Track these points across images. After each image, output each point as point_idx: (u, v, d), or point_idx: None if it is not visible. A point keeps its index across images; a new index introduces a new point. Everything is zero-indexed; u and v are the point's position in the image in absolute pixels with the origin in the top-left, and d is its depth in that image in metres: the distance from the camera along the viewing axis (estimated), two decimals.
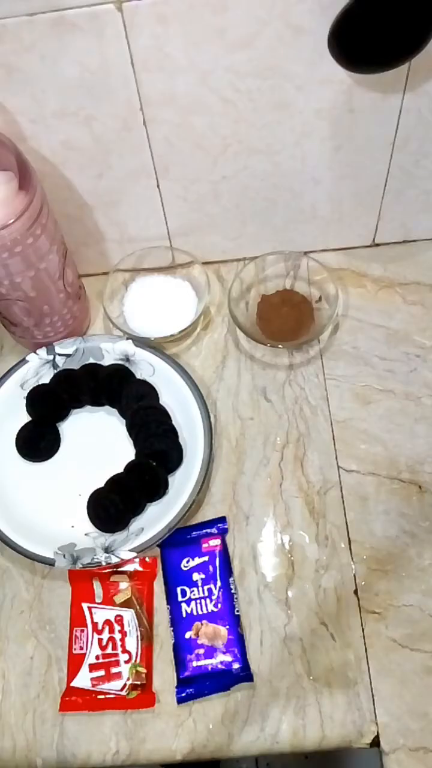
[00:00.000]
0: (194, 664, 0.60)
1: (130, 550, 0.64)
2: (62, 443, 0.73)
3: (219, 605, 0.62)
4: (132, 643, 0.62)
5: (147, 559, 0.66)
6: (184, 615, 0.62)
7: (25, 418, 0.73)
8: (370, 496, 0.68)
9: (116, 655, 0.61)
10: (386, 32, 0.52)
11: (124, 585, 0.64)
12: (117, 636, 0.62)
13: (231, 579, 0.63)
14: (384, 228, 0.80)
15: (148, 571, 0.65)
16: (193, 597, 0.62)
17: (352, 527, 0.66)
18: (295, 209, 0.76)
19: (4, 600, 0.67)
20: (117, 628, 0.62)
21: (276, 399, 0.74)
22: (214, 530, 0.66)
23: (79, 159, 0.68)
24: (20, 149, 0.60)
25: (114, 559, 0.64)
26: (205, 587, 0.63)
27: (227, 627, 0.61)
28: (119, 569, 0.65)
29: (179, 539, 0.65)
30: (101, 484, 0.68)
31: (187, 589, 0.63)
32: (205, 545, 0.65)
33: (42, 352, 0.74)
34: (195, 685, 0.60)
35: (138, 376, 0.74)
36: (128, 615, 0.63)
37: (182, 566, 0.64)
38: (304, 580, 0.64)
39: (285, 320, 0.76)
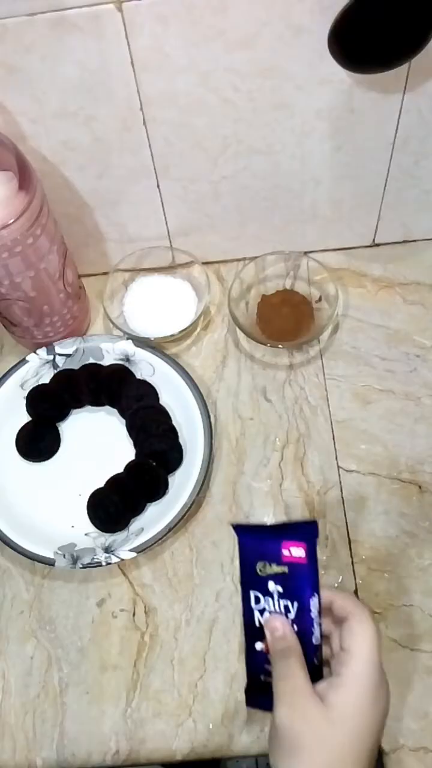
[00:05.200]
0: (262, 678, 0.50)
1: (130, 550, 0.64)
2: (62, 443, 0.73)
3: (295, 627, 0.49)
4: None
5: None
6: (257, 624, 0.50)
7: (25, 418, 0.73)
8: (370, 496, 0.68)
9: None
10: (386, 32, 0.52)
11: None
12: None
13: (313, 600, 0.48)
14: (384, 228, 0.80)
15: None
16: (267, 608, 0.50)
17: (352, 527, 0.66)
18: (295, 209, 0.76)
19: (4, 600, 0.67)
20: None
21: (276, 399, 0.74)
22: (298, 535, 0.49)
23: (79, 159, 0.68)
24: (20, 149, 0.60)
25: (114, 559, 0.64)
26: (282, 602, 0.49)
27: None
28: None
29: (256, 532, 0.51)
30: (101, 484, 0.68)
31: (261, 596, 0.50)
32: (285, 552, 0.49)
33: (42, 352, 0.74)
34: (261, 699, 0.49)
35: (138, 376, 0.74)
36: None
37: (258, 571, 0.50)
38: None
39: (285, 320, 0.76)
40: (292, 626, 0.48)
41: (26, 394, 0.73)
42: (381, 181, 0.73)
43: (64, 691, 0.62)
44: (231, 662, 0.62)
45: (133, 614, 0.65)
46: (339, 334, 0.77)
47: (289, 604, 0.49)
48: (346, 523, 0.67)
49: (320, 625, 0.48)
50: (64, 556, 0.64)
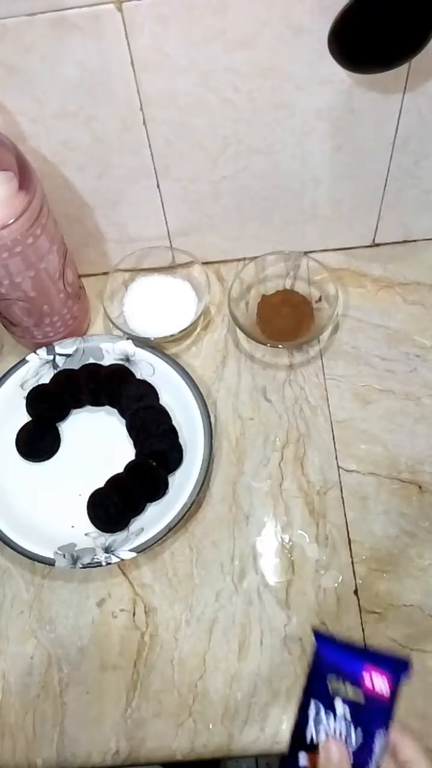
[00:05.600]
0: None
1: (130, 550, 0.64)
2: (62, 443, 0.73)
3: (351, 758, 0.44)
4: None
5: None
6: (308, 737, 0.46)
7: (25, 418, 0.73)
8: (370, 496, 0.68)
9: None
10: (386, 32, 0.52)
11: None
12: None
13: (381, 739, 0.44)
14: (384, 228, 0.80)
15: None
16: (324, 723, 0.45)
17: (352, 527, 0.66)
18: (295, 209, 0.76)
19: (4, 600, 0.67)
20: None
21: (276, 399, 0.74)
22: (385, 666, 0.46)
23: (79, 159, 0.68)
24: (20, 149, 0.60)
25: (114, 559, 0.64)
26: (345, 727, 0.45)
27: None
28: None
29: (338, 644, 0.48)
30: (101, 484, 0.68)
31: (322, 709, 0.46)
32: (366, 677, 0.45)
33: (42, 352, 0.74)
34: None
35: (138, 376, 0.74)
36: None
37: (328, 684, 0.46)
38: (304, 580, 0.64)
39: (285, 320, 0.76)
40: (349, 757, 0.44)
41: (26, 394, 0.73)
42: (381, 181, 0.73)
43: (64, 691, 0.62)
44: (231, 662, 0.62)
45: (133, 614, 0.65)
46: (339, 334, 0.77)
47: (353, 732, 0.45)
48: (346, 523, 0.67)
49: (378, 765, 0.44)
50: (64, 556, 0.64)
